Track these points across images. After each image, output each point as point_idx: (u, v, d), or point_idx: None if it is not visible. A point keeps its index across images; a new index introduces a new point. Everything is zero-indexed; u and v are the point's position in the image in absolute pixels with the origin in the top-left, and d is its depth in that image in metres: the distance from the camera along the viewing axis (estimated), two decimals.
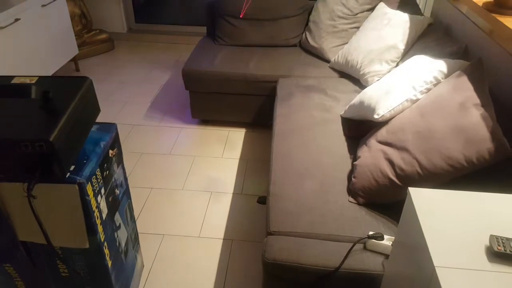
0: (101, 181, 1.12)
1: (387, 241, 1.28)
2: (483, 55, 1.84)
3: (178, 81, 3.39)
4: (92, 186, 1.05)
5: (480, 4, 1.47)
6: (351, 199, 1.51)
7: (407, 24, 2.13)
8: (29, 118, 0.96)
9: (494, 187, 1.24)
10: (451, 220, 0.86)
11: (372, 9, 2.53)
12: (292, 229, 1.37)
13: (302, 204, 1.46)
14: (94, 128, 1.21)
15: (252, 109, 2.65)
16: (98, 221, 1.11)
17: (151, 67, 3.64)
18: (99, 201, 1.10)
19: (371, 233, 1.29)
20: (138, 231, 1.95)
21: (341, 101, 2.14)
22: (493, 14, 1.35)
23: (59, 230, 1.08)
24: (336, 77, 2.47)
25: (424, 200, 0.90)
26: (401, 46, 2.12)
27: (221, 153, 2.53)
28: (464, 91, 1.37)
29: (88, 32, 3.78)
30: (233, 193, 2.20)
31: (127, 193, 1.37)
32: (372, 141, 1.59)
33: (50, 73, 3.04)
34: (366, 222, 1.41)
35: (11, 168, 0.96)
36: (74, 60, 3.45)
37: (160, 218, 2.03)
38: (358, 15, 2.55)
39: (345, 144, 1.81)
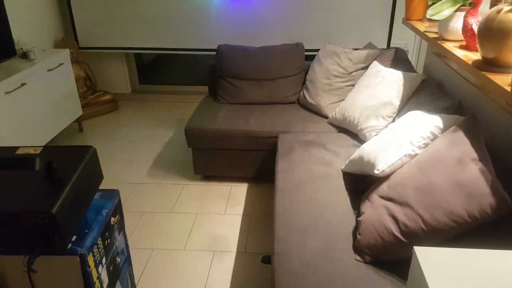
0: (103, 251, 1.11)
1: None
2: (477, 108, 1.88)
3: (181, 138, 3.45)
4: (94, 256, 1.04)
5: (470, 62, 1.53)
6: (358, 257, 1.48)
7: (401, 81, 2.20)
8: (32, 190, 0.97)
9: (500, 242, 1.23)
10: (459, 280, 0.84)
11: (366, 68, 2.62)
12: None
13: (308, 263, 1.43)
14: (96, 195, 1.21)
15: (254, 164, 2.67)
16: None
17: (154, 126, 3.71)
18: (100, 271, 1.08)
19: None
20: None
21: (341, 155, 2.16)
22: (483, 72, 1.40)
23: None
24: (335, 132, 2.51)
25: (430, 260, 0.89)
26: (396, 102, 2.17)
27: (223, 209, 2.51)
28: (461, 146, 1.39)
29: (93, 93, 3.89)
30: (237, 252, 2.16)
31: (128, 260, 1.34)
32: (374, 196, 1.58)
33: (54, 134, 3.10)
34: (373, 281, 1.37)
35: (12, 241, 0.95)
36: (78, 120, 3.52)
37: (161, 282, 1.98)
38: (353, 73, 2.65)
39: (348, 198, 1.80)
